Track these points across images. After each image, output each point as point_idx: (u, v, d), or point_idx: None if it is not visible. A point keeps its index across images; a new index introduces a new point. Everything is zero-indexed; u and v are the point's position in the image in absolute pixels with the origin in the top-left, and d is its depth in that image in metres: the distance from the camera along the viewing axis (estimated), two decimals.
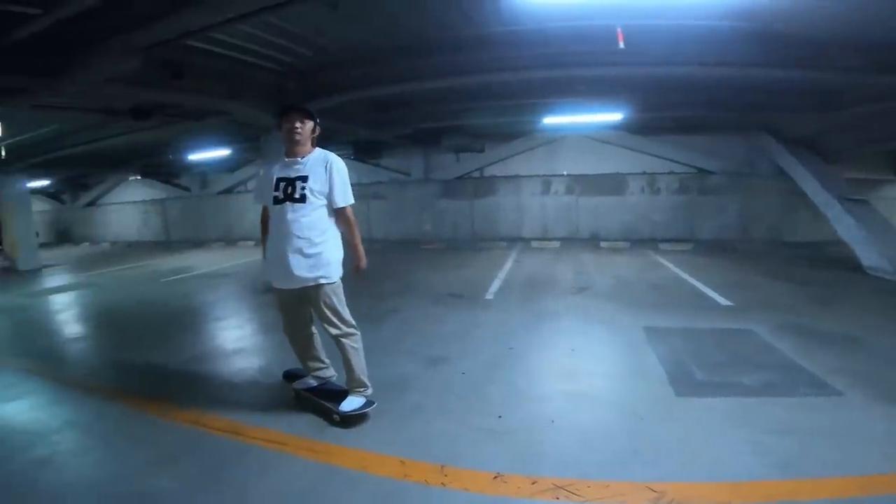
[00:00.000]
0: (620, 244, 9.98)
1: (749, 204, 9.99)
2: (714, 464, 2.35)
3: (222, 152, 10.51)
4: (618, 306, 5.27)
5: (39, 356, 4.48)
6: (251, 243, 13.04)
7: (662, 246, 9.60)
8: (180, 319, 5.75)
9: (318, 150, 2.84)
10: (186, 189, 16.52)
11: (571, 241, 10.68)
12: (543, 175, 11.39)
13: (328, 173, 2.74)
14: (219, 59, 5.01)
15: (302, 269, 2.70)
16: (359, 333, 2.94)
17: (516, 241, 11.01)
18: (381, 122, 8.56)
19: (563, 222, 11.17)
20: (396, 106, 8.06)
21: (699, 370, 3.46)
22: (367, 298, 6.30)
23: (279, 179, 2.75)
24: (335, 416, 2.84)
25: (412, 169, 12.96)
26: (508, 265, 8.19)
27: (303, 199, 2.69)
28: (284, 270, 2.72)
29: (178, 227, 16.12)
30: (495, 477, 2.33)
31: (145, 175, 15.32)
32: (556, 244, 10.46)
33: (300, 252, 2.69)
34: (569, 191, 11.09)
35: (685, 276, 6.83)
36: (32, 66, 3.93)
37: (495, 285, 6.61)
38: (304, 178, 2.71)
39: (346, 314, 2.88)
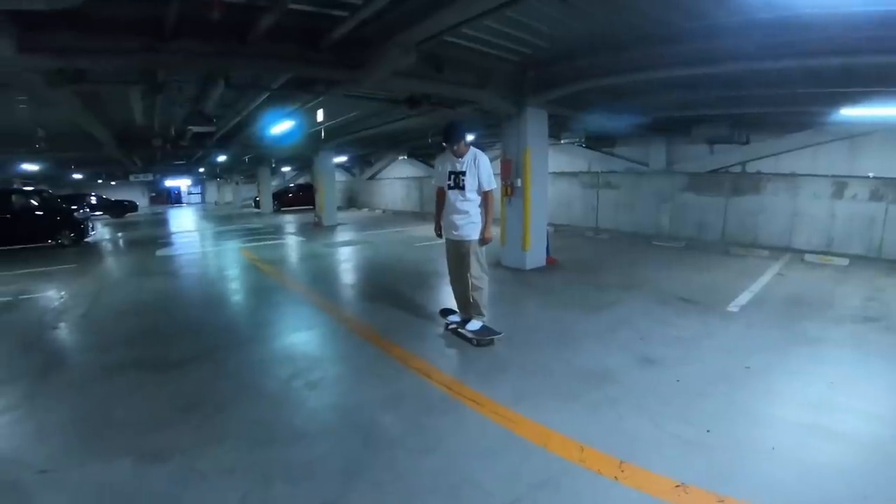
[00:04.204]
0: None
1: None
2: None
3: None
4: None
5: (328, 295, 6.03)
6: None
7: None
8: (426, 280, 6.83)
9: (471, 149, 4.05)
10: (432, 167, 18.92)
11: (868, 261, 8.07)
12: (835, 175, 8.85)
13: (476, 168, 3.97)
14: (469, 52, 5.50)
15: (459, 229, 4.05)
16: (487, 278, 4.13)
17: (783, 251, 8.94)
18: (617, 111, 7.96)
19: (858, 235, 8.52)
20: (635, 94, 7.37)
21: None
22: (586, 286, 6.27)
23: (450, 172, 4.07)
24: (473, 341, 4.00)
25: (651, 159, 11.84)
26: (766, 278, 6.76)
27: (462, 188, 3.99)
28: (450, 228, 4.13)
29: (429, 202, 18.64)
30: (677, 486, 2.13)
31: (411, 155, 18.36)
32: (844, 262, 8.06)
33: (458, 219, 4.04)
34: (875, 197, 8.33)
35: None
36: (344, 61, 5.03)
37: (744, 297, 5.56)
38: (463, 174, 3.99)
39: (483, 262, 4.10)
